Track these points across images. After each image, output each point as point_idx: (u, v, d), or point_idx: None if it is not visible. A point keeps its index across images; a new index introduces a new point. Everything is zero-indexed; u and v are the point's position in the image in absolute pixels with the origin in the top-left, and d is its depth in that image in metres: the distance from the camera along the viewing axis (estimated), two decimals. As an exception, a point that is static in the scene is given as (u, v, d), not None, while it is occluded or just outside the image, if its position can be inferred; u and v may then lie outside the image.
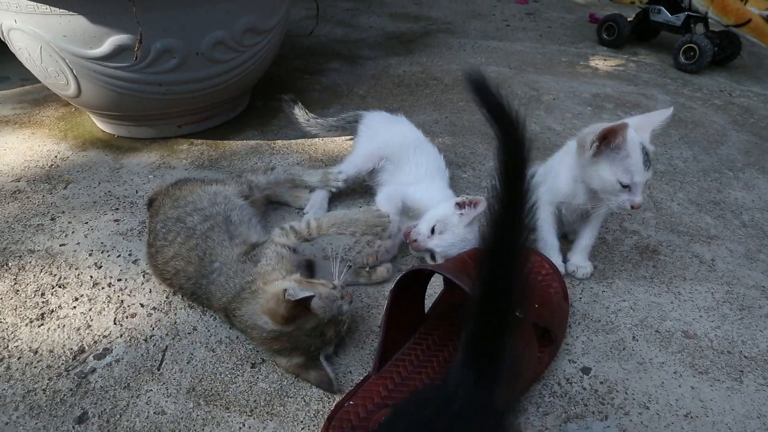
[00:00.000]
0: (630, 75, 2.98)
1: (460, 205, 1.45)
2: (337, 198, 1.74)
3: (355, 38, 3.33)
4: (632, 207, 1.30)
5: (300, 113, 2.03)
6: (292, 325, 1.08)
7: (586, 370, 1.21)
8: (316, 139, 2.10)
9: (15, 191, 1.75)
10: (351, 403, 1.02)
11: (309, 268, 1.37)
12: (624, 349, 1.27)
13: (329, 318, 1.11)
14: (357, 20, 3.67)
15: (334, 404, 1.07)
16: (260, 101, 2.41)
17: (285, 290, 1.06)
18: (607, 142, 1.25)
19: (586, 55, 3.26)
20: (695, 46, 3.00)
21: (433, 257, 1.46)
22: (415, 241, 1.44)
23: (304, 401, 1.10)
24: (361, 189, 1.80)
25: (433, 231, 1.43)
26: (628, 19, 3.37)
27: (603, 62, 3.15)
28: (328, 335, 1.12)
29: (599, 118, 2.40)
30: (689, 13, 3.09)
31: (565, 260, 1.49)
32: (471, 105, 2.46)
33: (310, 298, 1.05)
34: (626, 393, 1.17)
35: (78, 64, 1.73)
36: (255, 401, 1.10)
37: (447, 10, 3.99)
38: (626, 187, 1.28)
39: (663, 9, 3.21)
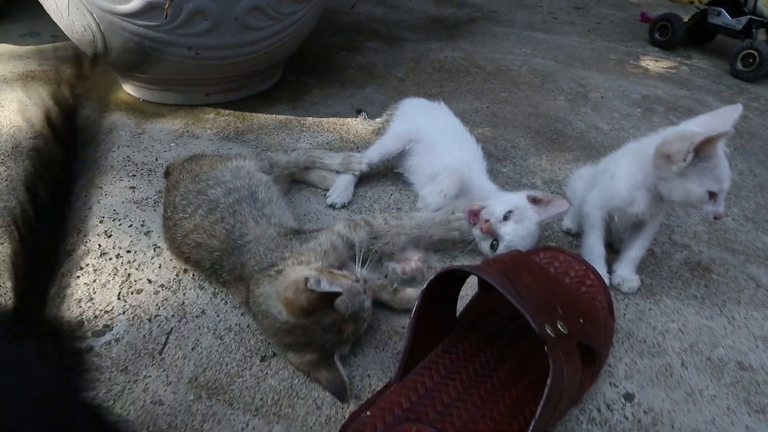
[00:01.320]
0: (682, 79, 2.81)
1: (532, 199, 1.36)
2: (365, 182, 1.64)
3: (396, 19, 3.20)
4: (715, 218, 1.17)
5: (361, 122, 1.96)
6: (309, 318, 0.97)
7: (629, 397, 1.09)
8: (349, 119, 1.99)
9: (32, 149, 1.66)
10: (368, 413, 0.91)
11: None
12: (671, 375, 1.15)
13: (350, 314, 1.00)
14: (398, 1, 3.54)
15: (348, 413, 0.96)
16: (293, 75, 2.30)
17: (306, 279, 0.95)
18: (697, 152, 1.11)
19: (637, 55, 3.09)
20: (755, 53, 2.82)
21: (493, 246, 1.35)
22: (487, 221, 1.33)
23: (316, 404, 1.00)
24: (392, 175, 1.69)
25: (505, 218, 1.33)
26: (684, 20, 3.19)
27: (654, 63, 2.99)
28: (346, 332, 1.01)
29: (649, 121, 2.25)
30: (752, 17, 2.91)
31: (609, 271, 1.36)
32: (513, 96, 2.34)
33: (336, 294, 0.95)
34: (672, 427, 1.04)
35: (106, 20, 1.63)
36: (262, 399, 1.00)
37: (492, -3, 3.84)
38: (713, 196, 1.15)
39: (723, 11, 3.03)
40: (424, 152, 1.59)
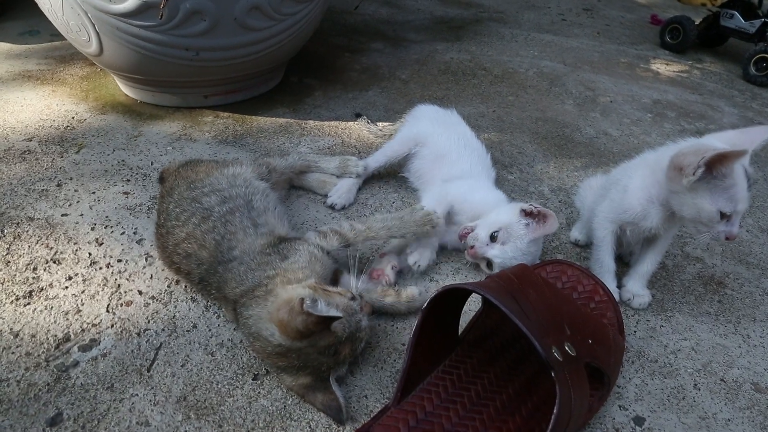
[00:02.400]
0: (694, 83, 2.75)
1: (526, 213, 1.28)
2: (367, 189, 1.59)
3: (401, 20, 3.15)
4: (727, 238, 1.10)
5: (363, 125, 1.92)
6: (304, 341, 0.92)
7: (639, 421, 1.03)
8: (351, 123, 1.94)
9: (25, 151, 1.62)
10: (364, 440, 0.86)
11: (335, 278, 1.21)
12: (684, 398, 1.09)
13: (347, 335, 0.95)
14: (404, 1, 3.49)
15: (343, 438, 0.91)
16: (295, 77, 2.25)
17: (302, 299, 0.90)
18: (711, 168, 1.05)
19: (647, 58, 3.03)
20: (769, 57, 2.76)
21: (489, 265, 1.30)
22: (473, 247, 1.28)
23: (309, 427, 0.95)
24: (395, 182, 1.64)
25: (493, 238, 1.28)
26: (695, 23, 3.13)
27: (665, 67, 2.93)
28: (342, 354, 0.95)
29: (660, 127, 2.19)
30: (766, 20, 2.85)
31: (619, 285, 1.31)
32: (520, 99, 2.28)
33: (335, 318, 0.90)
34: (685, 453, 0.99)
35: (100, 20, 1.59)
36: (253, 421, 0.95)
37: (500, -2, 3.79)
38: (725, 216, 1.08)
39: (736, 14, 2.97)
40: (431, 157, 1.54)
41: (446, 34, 2.99)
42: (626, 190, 1.23)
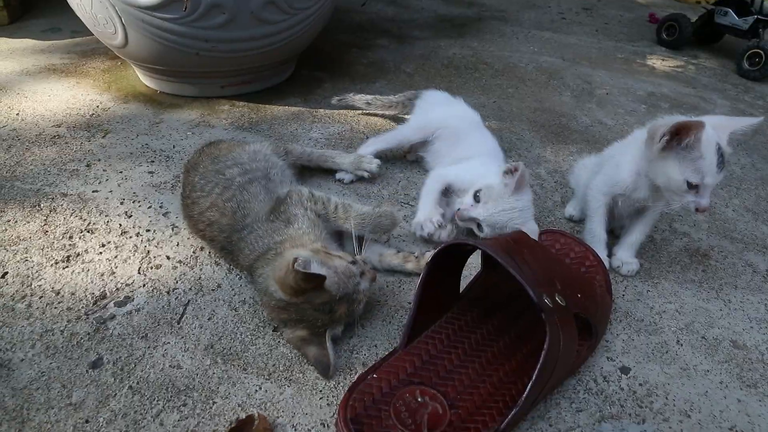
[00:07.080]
0: (689, 77, 2.85)
1: (507, 174, 1.39)
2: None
3: (406, 18, 3.26)
4: (697, 210, 1.20)
5: (359, 98, 1.99)
6: (300, 297, 1.02)
7: (625, 370, 1.13)
8: (359, 112, 2.05)
9: (54, 136, 1.73)
10: (374, 376, 0.96)
11: (339, 238, 1.32)
12: (667, 352, 1.19)
13: (342, 295, 1.04)
14: (409, 1, 3.60)
15: (356, 376, 1.01)
16: (306, 70, 2.36)
17: (295, 259, 0.99)
18: (679, 138, 1.15)
19: (644, 54, 3.13)
20: (762, 52, 2.85)
21: (480, 228, 1.41)
22: (458, 210, 1.40)
23: (325, 370, 1.05)
24: (401, 162, 1.75)
25: (477, 199, 1.39)
26: (691, 20, 3.23)
27: (661, 62, 3.03)
28: (338, 312, 1.05)
29: (653, 117, 2.28)
30: (759, 16, 2.95)
31: (610, 255, 1.41)
32: (520, 91, 2.39)
33: (322, 277, 1.00)
34: (666, 398, 1.09)
35: (127, 13, 1.70)
36: (274, 365, 1.05)
37: (502, -3, 3.90)
38: (693, 187, 1.18)
39: (730, 11, 3.07)
40: (451, 138, 1.65)
41: (449, 32, 3.10)
42: (618, 165, 1.33)
